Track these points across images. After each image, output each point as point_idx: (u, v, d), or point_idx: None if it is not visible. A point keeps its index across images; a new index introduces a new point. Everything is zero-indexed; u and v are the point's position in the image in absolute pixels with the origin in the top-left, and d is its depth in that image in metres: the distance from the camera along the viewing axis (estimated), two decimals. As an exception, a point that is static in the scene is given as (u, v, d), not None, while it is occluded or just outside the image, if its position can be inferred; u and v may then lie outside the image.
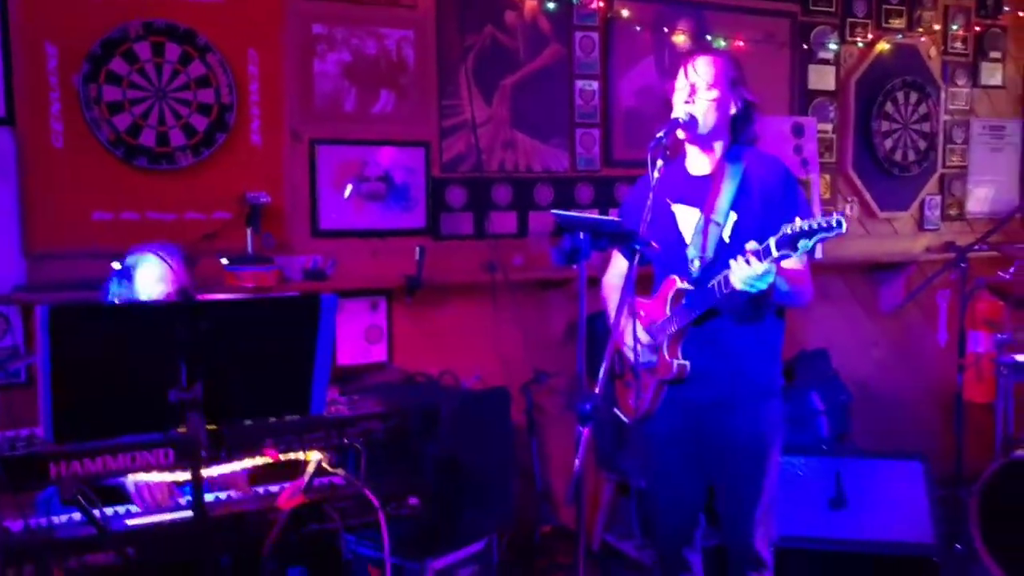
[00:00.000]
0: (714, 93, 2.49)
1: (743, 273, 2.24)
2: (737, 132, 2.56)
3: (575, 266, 3.95)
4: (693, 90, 2.50)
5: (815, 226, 2.14)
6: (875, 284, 5.00)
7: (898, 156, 4.94)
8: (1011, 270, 4.09)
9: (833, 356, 4.55)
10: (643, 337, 2.57)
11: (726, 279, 2.32)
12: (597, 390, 2.19)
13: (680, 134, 2.51)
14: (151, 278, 2.53)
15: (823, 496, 3.77)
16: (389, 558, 2.39)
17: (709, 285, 2.41)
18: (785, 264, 2.30)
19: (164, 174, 3.37)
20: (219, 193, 3.42)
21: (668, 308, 2.54)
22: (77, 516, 2.12)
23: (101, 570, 2.07)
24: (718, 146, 2.56)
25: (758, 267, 2.22)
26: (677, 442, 2.62)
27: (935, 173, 5.10)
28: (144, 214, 3.33)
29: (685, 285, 2.51)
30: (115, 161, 3.29)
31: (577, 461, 2.10)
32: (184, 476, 2.30)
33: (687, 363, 2.51)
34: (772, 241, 2.20)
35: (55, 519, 2.13)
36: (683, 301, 2.50)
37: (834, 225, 2.13)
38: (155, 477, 2.34)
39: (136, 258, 2.56)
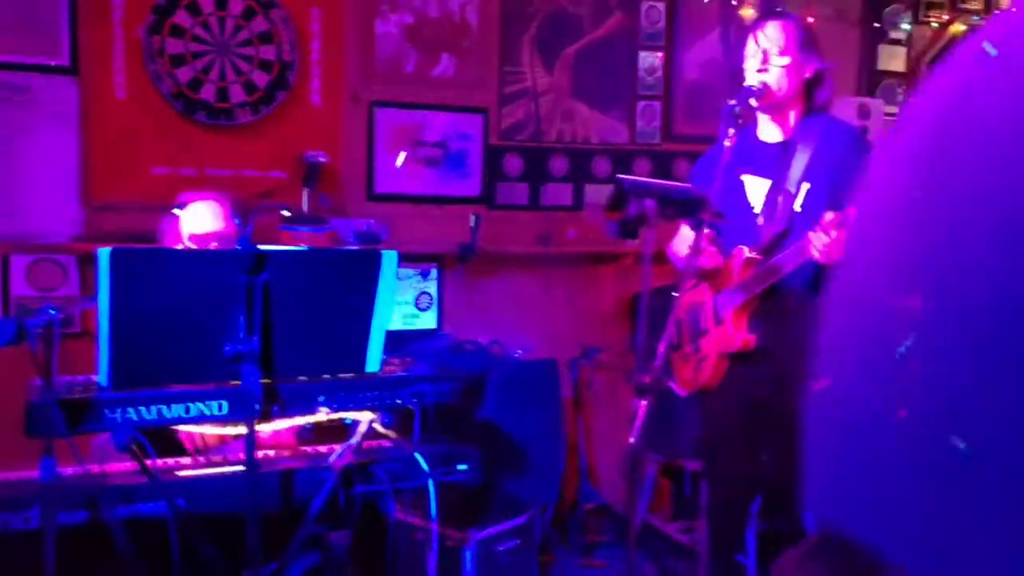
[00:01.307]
0: (786, 60, 2.41)
1: (821, 244, 2.18)
2: (810, 98, 2.49)
3: (631, 240, 3.92)
4: (766, 57, 2.42)
5: None
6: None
7: (967, 143, 4.78)
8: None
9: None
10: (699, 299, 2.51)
11: (800, 249, 2.26)
12: (657, 363, 2.12)
13: (753, 102, 2.43)
14: (198, 218, 2.53)
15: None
16: (436, 523, 2.36)
17: (781, 256, 2.34)
18: None
19: (223, 130, 3.36)
20: (277, 152, 3.41)
21: (735, 279, 2.47)
22: (130, 465, 2.11)
23: (151, 519, 2.06)
24: (791, 114, 2.49)
25: (837, 237, 2.15)
26: (735, 417, 2.56)
27: (1005, 162, 4.92)
28: (202, 170, 3.32)
29: (755, 255, 2.44)
30: (175, 115, 3.29)
31: (633, 434, 2.04)
32: (236, 430, 2.30)
33: (753, 336, 2.44)
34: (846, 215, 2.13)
35: (109, 466, 2.13)
36: (752, 272, 2.44)
37: None
38: (208, 430, 2.34)
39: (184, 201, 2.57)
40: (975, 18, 4.68)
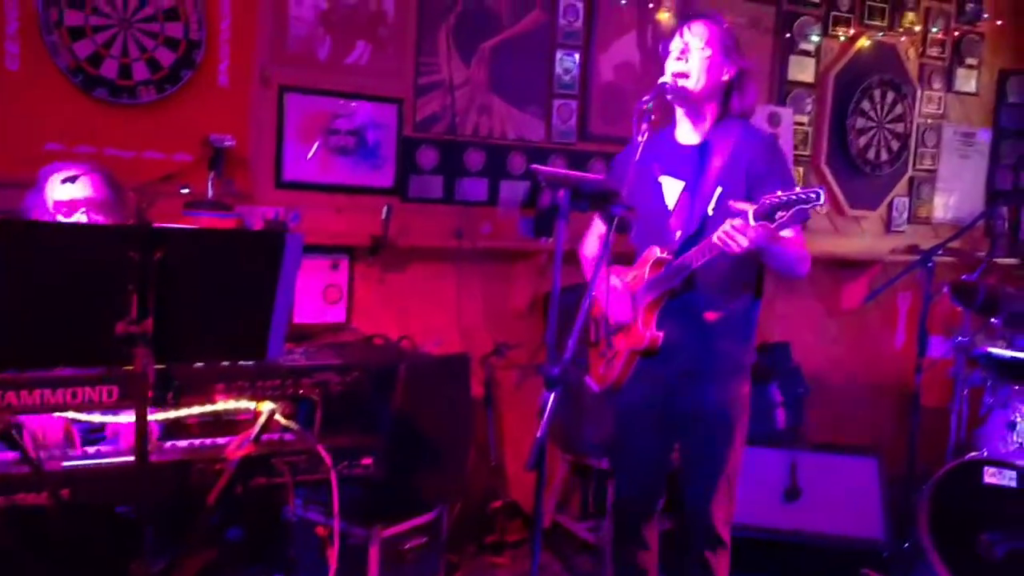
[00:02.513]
0: (707, 52, 2.45)
1: (724, 230, 2.23)
2: (729, 102, 2.51)
3: (544, 239, 3.92)
4: (686, 48, 2.45)
5: (792, 198, 2.12)
6: (839, 281, 5.00)
7: (871, 154, 4.93)
8: (975, 274, 4.10)
9: (794, 350, 4.54)
10: (616, 284, 2.52)
11: (707, 247, 2.29)
12: (567, 356, 2.11)
13: (669, 97, 2.45)
14: (63, 188, 2.40)
15: (778, 487, 3.76)
16: (338, 519, 2.29)
17: (689, 253, 2.36)
18: (783, 234, 2.29)
19: (124, 108, 3.21)
20: (181, 133, 3.27)
21: (645, 277, 2.48)
22: (10, 455, 1.99)
23: (32, 511, 1.94)
24: (708, 113, 2.51)
25: (739, 229, 2.20)
26: (644, 413, 2.57)
27: (905, 174, 5.10)
28: (101, 149, 3.17)
29: (665, 255, 2.46)
30: (73, 90, 3.13)
31: (542, 426, 2.02)
32: (126, 417, 2.19)
33: (660, 334, 2.46)
34: (751, 212, 2.17)
35: (-15, 454, 2.00)
36: (662, 271, 2.45)
37: (812, 197, 2.11)
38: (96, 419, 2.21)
39: (47, 176, 2.44)
40: (880, 34, 4.84)
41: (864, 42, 4.81)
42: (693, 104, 2.49)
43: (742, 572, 3.39)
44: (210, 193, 3.22)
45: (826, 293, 4.98)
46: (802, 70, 4.70)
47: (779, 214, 2.15)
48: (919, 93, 5.05)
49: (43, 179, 2.48)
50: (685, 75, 2.44)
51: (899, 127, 4.98)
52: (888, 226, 5.12)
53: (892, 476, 3.92)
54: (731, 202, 2.26)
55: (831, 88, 4.77)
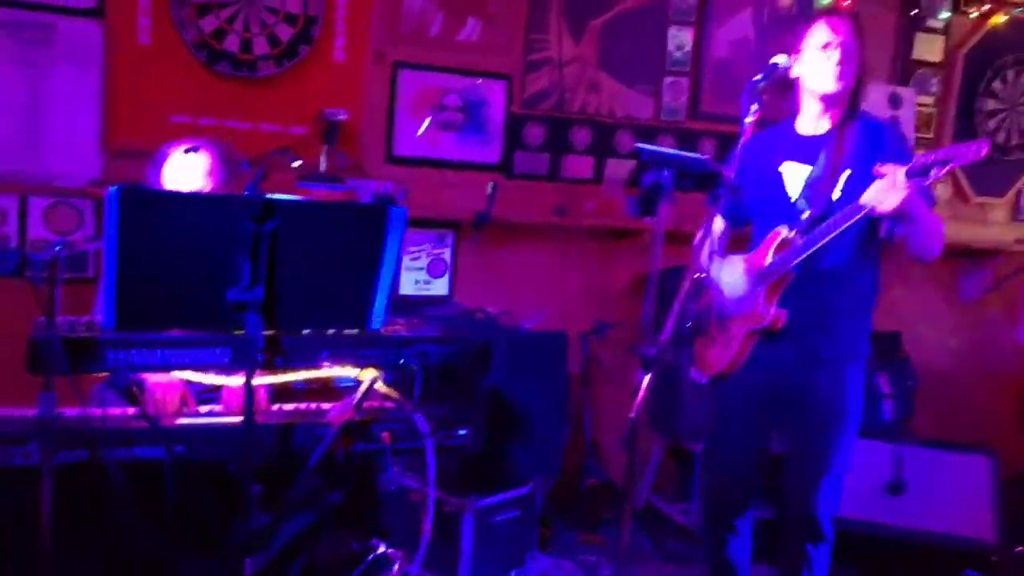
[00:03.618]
0: (854, 60, 2.43)
1: (875, 188, 2.20)
2: (854, 98, 2.50)
3: (647, 219, 3.88)
4: (842, 56, 2.41)
5: (952, 153, 2.10)
6: (958, 271, 4.78)
7: (1000, 139, 4.68)
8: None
9: (905, 340, 4.37)
10: (730, 278, 2.52)
11: (851, 210, 2.27)
12: (664, 337, 2.10)
13: (782, 60, 2.39)
14: (180, 170, 2.50)
15: (881, 481, 3.65)
16: (433, 487, 2.35)
17: (829, 221, 2.34)
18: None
19: (244, 82, 3.34)
20: (297, 107, 3.39)
21: (771, 256, 2.45)
22: (130, 410, 2.11)
23: (147, 464, 2.06)
24: (838, 108, 2.49)
25: (894, 183, 2.17)
26: (746, 402, 2.53)
27: (1038, 160, 4.83)
28: (222, 121, 3.31)
29: (792, 235, 2.42)
30: (198, 64, 3.27)
31: (635, 407, 2.03)
32: (236, 380, 2.29)
33: (784, 312, 2.42)
34: (901, 171, 2.15)
35: (109, 410, 2.13)
36: (789, 248, 2.41)
37: (972, 151, 2.06)
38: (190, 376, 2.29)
39: (167, 150, 2.55)
40: (1017, 10, 4.57)
41: (999, 18, 4.55)
42: (829, 101, 2.45)
43: (839, 565, 3.32)
44: (323, 166, 3.32)
45: (943, 282, 4.77)
46: (929, 49, 4.49)
47: (934, 171, 2.11)
48: (1057, 74, 4.76)
49: (163, 153, 2.59)
50: (839, 77, 2.42)
51: (1033, 110, 4.71)
52: (1016, 214, 4.86)
53: (1007, 476, 3.76)
54: (878, 165, 2.22)
55: (960, 68, 4.54)
